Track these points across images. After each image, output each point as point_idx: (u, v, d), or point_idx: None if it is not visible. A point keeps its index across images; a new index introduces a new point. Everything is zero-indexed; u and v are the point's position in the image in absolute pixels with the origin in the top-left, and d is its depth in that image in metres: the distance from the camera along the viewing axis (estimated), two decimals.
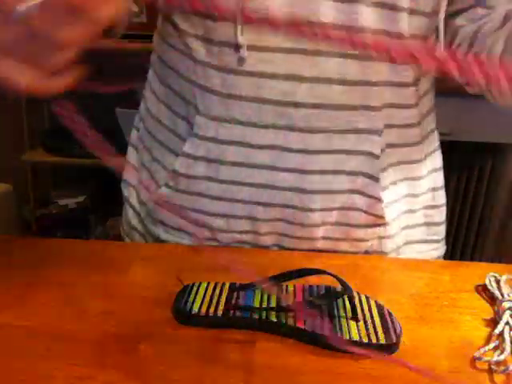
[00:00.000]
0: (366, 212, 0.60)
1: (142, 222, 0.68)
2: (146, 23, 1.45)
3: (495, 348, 0.44)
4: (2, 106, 2.06)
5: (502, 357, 0.43)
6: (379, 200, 0.59)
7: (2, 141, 2.08)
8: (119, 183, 0.73)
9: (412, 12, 0.52)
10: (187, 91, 0.58)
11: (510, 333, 0.45)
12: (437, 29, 0.55)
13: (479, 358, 0.43)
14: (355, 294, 0.48)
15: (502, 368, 0.42)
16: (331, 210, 0.59)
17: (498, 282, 0.52)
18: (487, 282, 0.53)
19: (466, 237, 1.81)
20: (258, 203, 0.58)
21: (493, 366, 0.42)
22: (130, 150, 0.72)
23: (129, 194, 0.71)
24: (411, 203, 0.64)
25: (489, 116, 1.42)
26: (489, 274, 0.54)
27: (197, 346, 0.43)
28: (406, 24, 0.52)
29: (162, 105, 0.64)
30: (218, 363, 0.42)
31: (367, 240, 0.62)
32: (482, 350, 0.44)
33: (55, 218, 2.04)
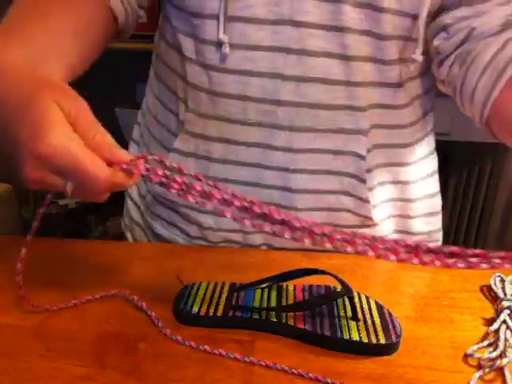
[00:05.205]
0: (353, 213, 0.59)
1: (142, 216, 0.69)
2: (146, 23, 1.45)
3: (489, 345, 0.44)
4: None
5: (493, 354, 0.43)
6: (366, 201, 0.58)
7: None
8: None
9: (396, 13, 0.52)
10: (178, 87, 0.59)
11: (505, 331, 0.45)
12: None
13: (471, 355, 0.43)
14: (355, 294, 0.48)
15: (489, 364, 0.42)
16: (318, 210, 0.58)
17: (503, 282, 0.52)
18: (492, 282, 0.53)
19: (466, 237, 1.81)
20: None
21: (482, 362, 0.42)
22: (132, 146, 0.72)
23: (129, 187, 0.71)
24: (405, 208, 0.64)
25: None
26: (495, 274, 0.54)
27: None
28: (389, 24, 0.52)
29: (157, 101, 0.64)
30: (218, 363, 0.42)
31: None
32: (475, 347, 0.44)
33: (55, 218, 2.04)
